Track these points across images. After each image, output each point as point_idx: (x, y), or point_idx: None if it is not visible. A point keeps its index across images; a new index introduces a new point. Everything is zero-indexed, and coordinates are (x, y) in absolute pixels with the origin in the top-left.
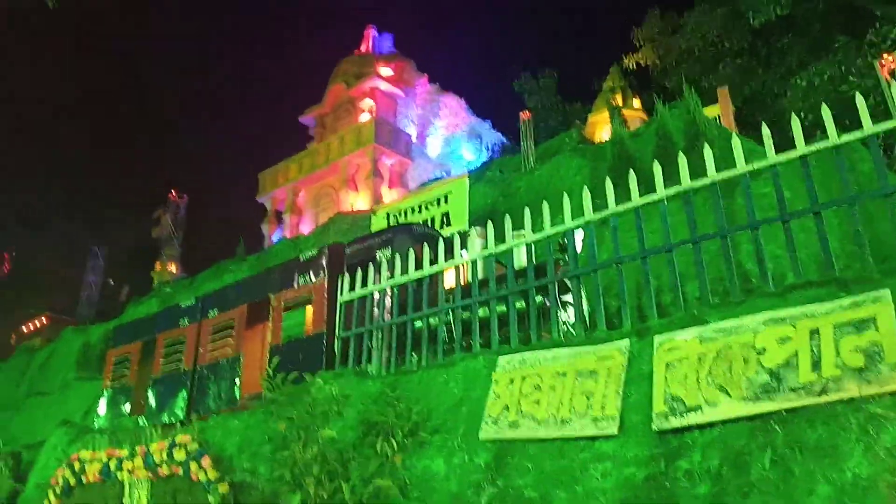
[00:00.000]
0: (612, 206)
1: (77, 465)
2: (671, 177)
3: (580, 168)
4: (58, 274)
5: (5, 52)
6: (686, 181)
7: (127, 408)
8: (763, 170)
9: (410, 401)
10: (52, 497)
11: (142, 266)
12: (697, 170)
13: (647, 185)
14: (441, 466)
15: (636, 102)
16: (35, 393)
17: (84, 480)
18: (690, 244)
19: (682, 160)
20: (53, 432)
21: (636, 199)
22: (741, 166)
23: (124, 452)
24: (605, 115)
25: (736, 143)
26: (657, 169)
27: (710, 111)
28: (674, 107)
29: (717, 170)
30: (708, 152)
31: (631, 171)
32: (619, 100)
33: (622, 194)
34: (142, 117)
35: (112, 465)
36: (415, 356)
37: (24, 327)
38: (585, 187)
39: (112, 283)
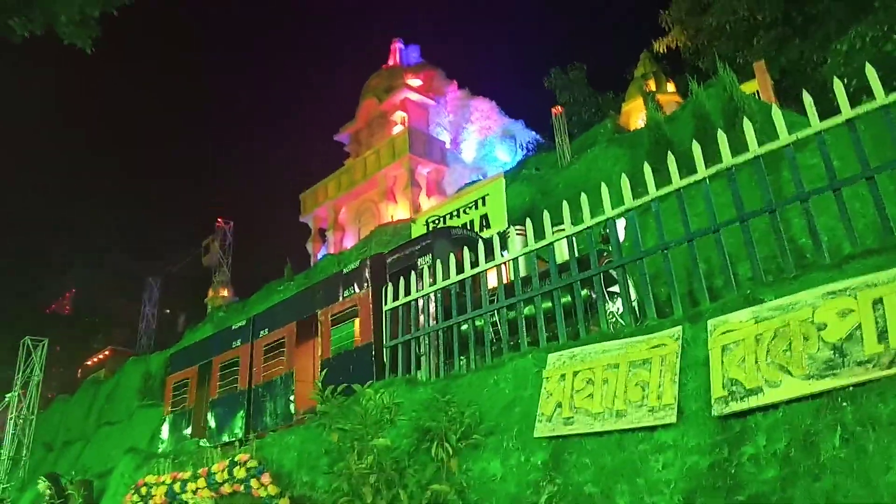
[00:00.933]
0: (652, 191)
1: (144, 490)
2: (712, 157)
3: (617, 158)
4: (117, 308)
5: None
6: (727, 158)
7: (188, 431)
8: (808, 139)
9: (462, 404)
10: None
11: (196, 294)
12: (739, 147)
13: (687, 169)
14: (498, 468)
15: (670, 87)
16: (103, 423)
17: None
18: (738, 223)
19: (722, 137)
20: (121, 459)
21: (676, 182)
22: (784, 137)
23: (187, 474)
24: (639, 102)
25: (777, 114)
26: (696, 148)
27: (748, 87)
28: (709, 86)
29: (760, 144)
30: (748, 125)
31: (669, 152)
32: (652, 85)
33: (662, 180)
34: (184, 148)
35: (177, 487)
36: (463, 360)
37: (88, 361)
38: (623, 175)
39: (168, 312)
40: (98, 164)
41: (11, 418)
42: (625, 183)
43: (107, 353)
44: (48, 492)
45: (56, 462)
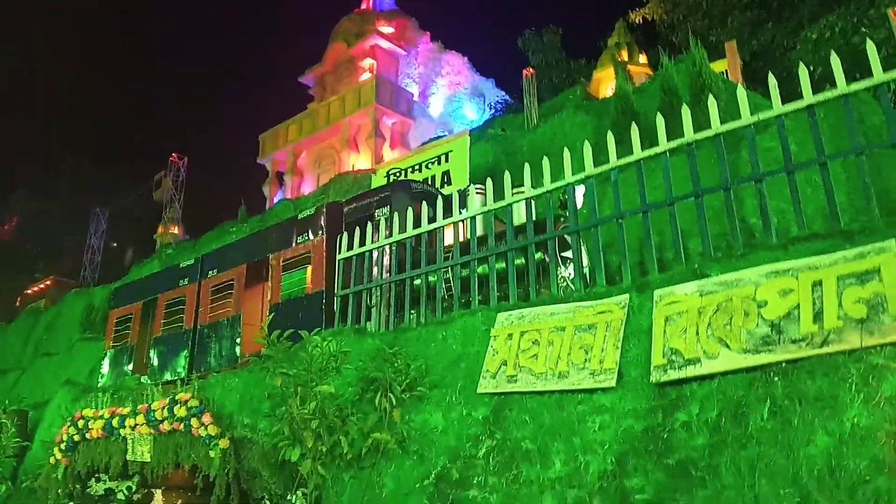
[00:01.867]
0: (613, 160)
1: (81, 423)
2: (675, 132)
3: (584, 125)
4: (62, 239)
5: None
6: (689, 133)
7: (129, 367)
8: (769, 122)
9: (409, 357)
10: (57, 454)
11: (145, 229)
12: (703, 124)
13: (651, 142)
14: (439, 420)
15: (642, 58)
16: (41, 354)
17: (88, 437)
18: (693, 198)
19: (686, 112)
20: (58, 392)
21: (638, 153)
22: (746, 117)
23: (126, 410)
24: (611, 71)
25: (741, 93)
26: (660, 121)
27: (718, 66)
28: (680, 61)
29: (722, 122)
30: (712, 103)
31: (633, 124)
32: (624, 55)
33: (625, 151)
34: (142, 81)
35: (115, 422)
36: (413, 314)
37: (29, 290)
38: (587, 142)
39: (116, 246)
40: (52, 90)
41: None
42: (587, 150)
43: (48, 282)
44: None
45: None
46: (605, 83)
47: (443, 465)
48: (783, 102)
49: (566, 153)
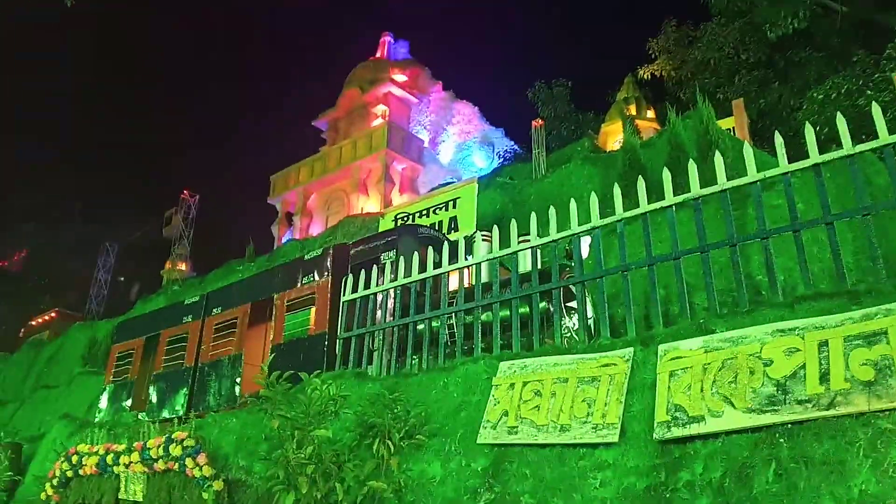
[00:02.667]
0: (619, 211)
1: (75, 459)
2: (682, 187)
3: (591, 176)
4: (69, 271)
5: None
6: (696, 188)
7: (128, 403)
8: (775, 180)
9: (409, 403)
10: (49, 489)
11: (152, 265)
12: (710, 181)
13: (657, 195)
14: (438, 470)
15: (650, 113)
16: (41, 386)
17: (81, 473)
18: (699, 253)
19: (693, 167)
20: (54, 426)
21: (644, 206)
22: (752, 174)
23: (122, 447)
24: (618, 125)
25: (748, 150)
26: (667, 176)
27: (725, 123)
28: (687, 117)
29: (729, 178)
30: (719, 159)
31: (640, 177)
32: (632, 110)
33: (632, 204)
34: (156, 118)
35: (109, 459)
36: (415, 359)
37: (33, 321)
38: (593, 193)
39: (122, 280)
40: (66, 123)
41: None
42: (593, 201)
43: (53, 314)
44: None
45: None
46: (612, 136)
47: None
48: (789, 161)
49: (573, 203)
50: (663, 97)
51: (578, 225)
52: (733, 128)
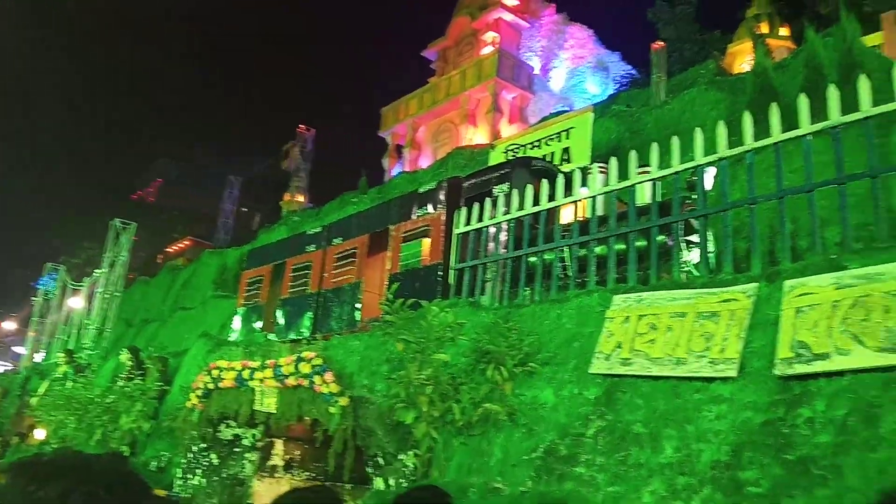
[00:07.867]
0: (748, 141)
1: (215, 373)
2: (819, 113)
3: (716, 103)
4: (198, 202)
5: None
6: (835, 115)
7: (258, 324)
8: None
9: (522, 333)
10: (194, 398)
11: (272, 196)
12: (851, 106)
13: (790, 123)
14: (550, 396)
15: (784, 31)
16: (179, 308)
17: (221, 386)
18: (835, 185)
19: (833, 92)
20: (195, 343)
21: (776, 135)
22: None
23: (256, 364)
24: (748, 45)
25: None
26: (802, 101)
27: (872, 40)
28: (827, 35)
29: (874, 104)
30: (863, 82)
31: (773, 103)
32: (764, 28)
33: (761, 131)
34: (273, 54)
35: (245, 374)
36: (528, 291)
37: (169, 249)
38: (720, 122)
39: (246, 211)
40: (194, 66)
41: (99, 293)
42: (720, 129)
43: (187, 242)
44: (129, 363)
45: (135, 338)
46: (740, 58)
47: (551, 440)
48: None
49: (698, 132)
50: (800, 12)
51: (704, 155)
52: (882, 45)
